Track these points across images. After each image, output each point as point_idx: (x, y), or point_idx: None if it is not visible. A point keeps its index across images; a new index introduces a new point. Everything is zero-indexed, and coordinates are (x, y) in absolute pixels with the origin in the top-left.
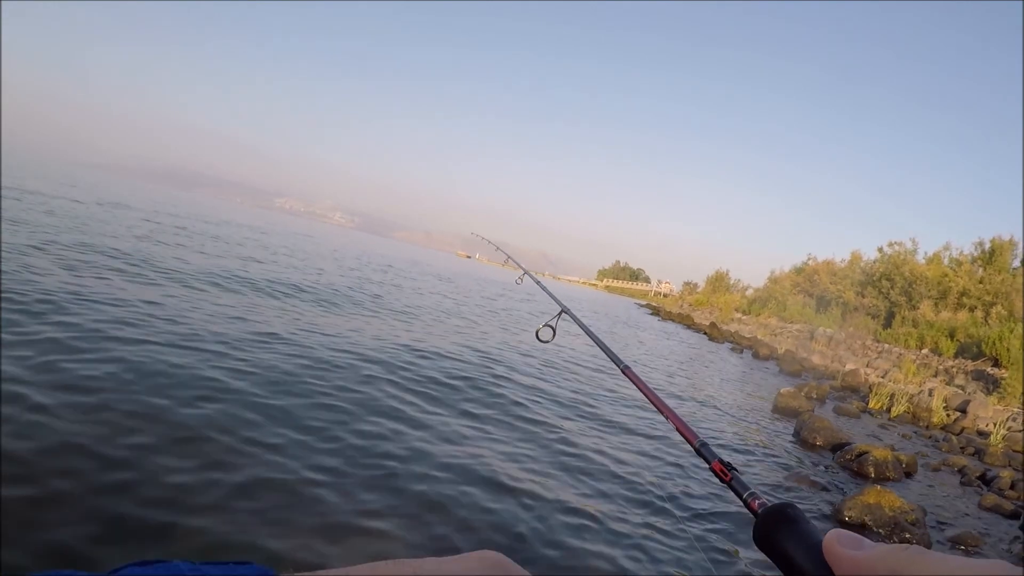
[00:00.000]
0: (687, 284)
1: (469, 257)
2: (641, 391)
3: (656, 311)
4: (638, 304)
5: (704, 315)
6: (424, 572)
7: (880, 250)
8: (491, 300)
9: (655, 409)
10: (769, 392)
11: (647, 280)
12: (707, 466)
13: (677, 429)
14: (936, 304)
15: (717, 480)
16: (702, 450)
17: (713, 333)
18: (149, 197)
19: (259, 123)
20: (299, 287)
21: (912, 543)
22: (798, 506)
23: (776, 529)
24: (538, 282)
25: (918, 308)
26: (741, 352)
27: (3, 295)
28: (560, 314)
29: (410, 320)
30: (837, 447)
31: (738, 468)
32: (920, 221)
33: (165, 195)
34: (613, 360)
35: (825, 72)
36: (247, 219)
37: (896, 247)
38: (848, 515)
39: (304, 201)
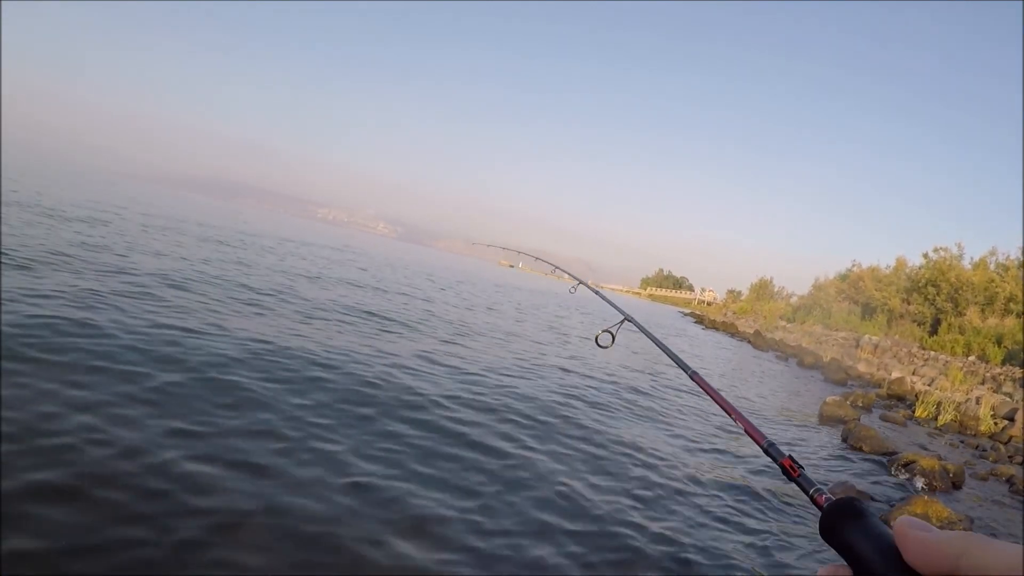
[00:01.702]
0: (731, 292)
1: (512, 267)
2: (710, 396)
3: (700, 319)
4: (682, 312)
5: (748, 323)
6: None
7: (925, 256)
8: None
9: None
10: (815, 401)
11: (690, 288)
12: (775, 463)
13: (746, 430)
14: (983, 310)
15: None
16: (770, 449)
17: (757, 341)
18: (218, 213)
19: (298, 132)
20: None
21: None
22: (863, 501)
23: (841, 522)
24: (597, 292)
25: (964, 314)
26: (786, 360)
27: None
28: (622, 322)
29: None
30: (884, 456)
31: (804, 467)
32: (965, 226)
33: (224, 209)
34: (681, 366)
35: (871, 79)
36: (321, 236)
37: (942, 252)
38: None
39: (347, 211)
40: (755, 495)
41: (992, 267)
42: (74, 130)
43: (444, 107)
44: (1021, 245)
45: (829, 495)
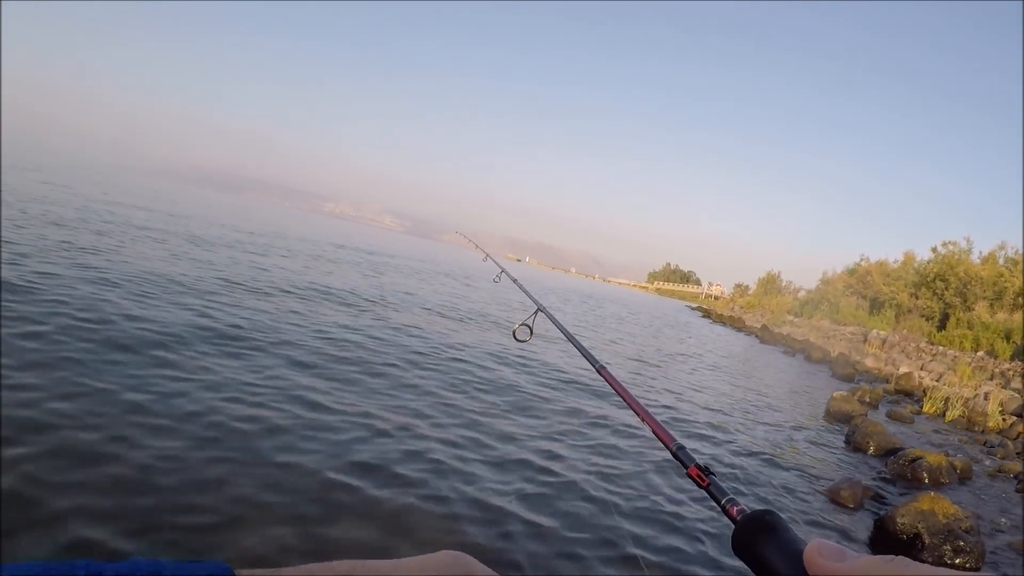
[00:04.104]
0: (738, 286)
1: (519, 260)
2: (617, 392)
3: (707, 314)
4: (689, 306)
5: (755, 317)
6: (385, 572)
7: (934, 250)
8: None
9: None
10: (822, 396)
11: (697, 282)
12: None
13: (653, 432)
14: (992, 305)
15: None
16: (679, 454)
17: (764, 336)
18: (242, 208)
19: (302, 124)
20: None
21: (965, 550)
22: (779, 513)
23: (755, 537)
24: (514, 280)
25: (973, 309)
26: (793, 355)
27: None
28: (536, 312)
29: None
30: (890, 452)
31: (716, 473)
32: (974, 220)
33: (246, 207)
34: (589, 360)
35: (881, 73)
36: (341, 233)
37: (950, 247)
38: (901, 522)
39: (353, 205)
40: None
41: (1001, 261)
42: (75, 123)
43: (453, 101)
44: None
45: (743, 507)
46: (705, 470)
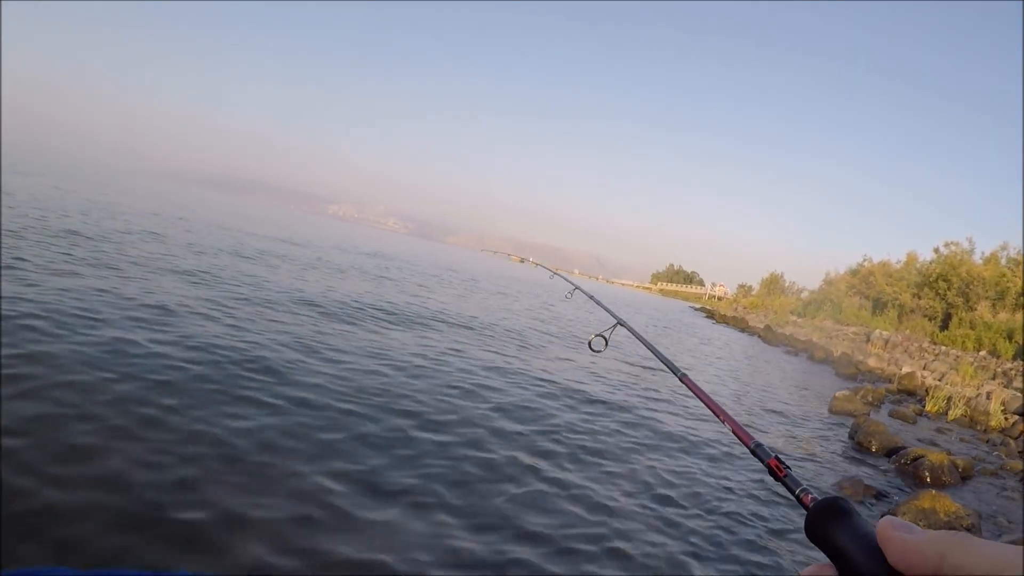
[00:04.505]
0: (741, 287)
1: (523, 261)
2: (699, 397)
3: (710, 314)
4: (692, 307)
5: (759, 318)
6: None
7: (936, 251)
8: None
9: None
10: (825, 395)
11: (701, 283)
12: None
13: (733, 431)
14: (994, 305)
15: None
16: (757, 451)
17: (768, 336)
18: (255, 214)
19: (301, 125)
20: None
21: None
22: (849, 500)
23: (827, 522)
24: (591, 297)
25: (976, 309)
26: (796, 355)
27: None
28: (615, 326)
29: None
30: (893, 451)
31: (791, 467)
32: (976, 220)
33: (248, 208)
34: (671, 368)
35: (881, 73)
36: (362, 239)
37: (952, 247)
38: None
39: (357, 207)
40: (746, 495)
41: (1003, 262)
42: (75, 123)
43: (457, 102)
44: None
45: (815, 495)
46: (781, 463)
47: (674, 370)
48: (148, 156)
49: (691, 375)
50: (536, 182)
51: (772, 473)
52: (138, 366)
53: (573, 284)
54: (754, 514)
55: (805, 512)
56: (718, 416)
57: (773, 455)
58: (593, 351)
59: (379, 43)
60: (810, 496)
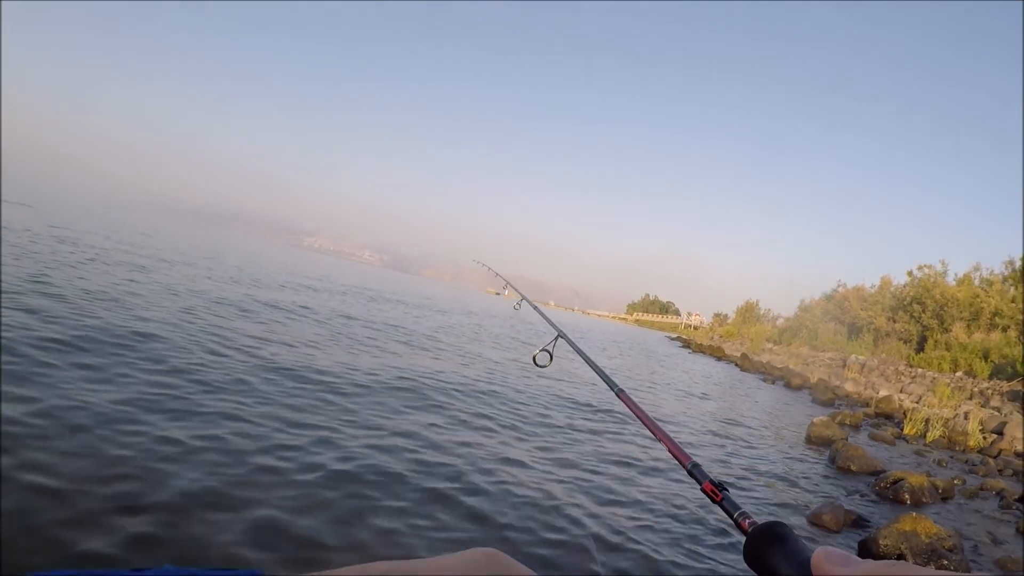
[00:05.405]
0: (717, 316)
1: (498, 294)
2: (635, 414)
3: (687, 343)
4: (668, 337)
5: (735, 346)
6: (420, 572)
7: (910, 274)
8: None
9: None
10: (802, 422)
11: (677, 313)
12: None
13: (669, 451)
14: (969, 326)
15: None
16: (694, 471)
17: (744, 364)
18: (255, 250)
19: (280, 157)
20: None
21: (949, 569)
22: (787, 524)
23: (765, 547)
24: (535, 307)
25: (950, 331)
26: (773, 382)
27: None
28: (556, 339)
29: None
30: (872, 474)
31: (729, 488)
32: (948, 242)
33: (225, 239)
34: (608, 384)
35: (845, 93)
36: (368, 280)
37: (926, 270)
38: (884, 543)
39: (333, 239)
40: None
41: (976, 282)
42: (62, 153)
43: (434, 134)
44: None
45: (754, 520)
46: (719, 486)
47: (611, 385)
48: (120, 182)
49: (668, 401)
50: (509, 211)
51: (708, 496)
52: None
53: (521, 295)
54: (692, 537)
55: (744, 537)
56: (654, 434)
57: (708, 478)
58: (538, 366)
59: (362, 72)
60: (748, 521)
